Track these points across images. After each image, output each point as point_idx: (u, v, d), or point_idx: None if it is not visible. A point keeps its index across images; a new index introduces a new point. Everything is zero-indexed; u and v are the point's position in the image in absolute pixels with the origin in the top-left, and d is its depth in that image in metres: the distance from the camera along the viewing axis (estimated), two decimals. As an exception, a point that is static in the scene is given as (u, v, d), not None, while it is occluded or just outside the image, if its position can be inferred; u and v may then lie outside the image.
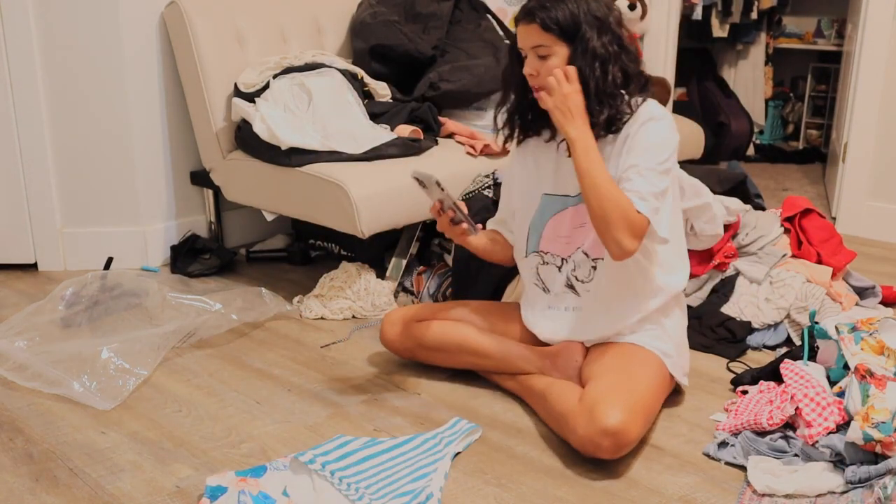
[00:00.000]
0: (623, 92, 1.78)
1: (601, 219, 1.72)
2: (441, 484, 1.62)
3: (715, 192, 2.50)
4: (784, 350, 2.21)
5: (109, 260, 2.59)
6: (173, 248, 2.98)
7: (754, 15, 4.90)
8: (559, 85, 1.73)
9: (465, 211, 1.86)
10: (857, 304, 2.46)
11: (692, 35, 4.89)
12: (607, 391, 1.68)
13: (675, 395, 1.99)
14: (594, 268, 1.89)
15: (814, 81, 5.36)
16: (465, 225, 1.86)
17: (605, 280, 1.87)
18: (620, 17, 1.81)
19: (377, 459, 1.70)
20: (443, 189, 1.76)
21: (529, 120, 1.92)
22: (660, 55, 4.13)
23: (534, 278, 1.99)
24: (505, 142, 1.98)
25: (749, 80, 5.20)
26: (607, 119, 1.76)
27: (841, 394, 1.74)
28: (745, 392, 1.98)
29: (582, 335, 1.92)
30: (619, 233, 1.70)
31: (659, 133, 1.77)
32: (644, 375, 1.78)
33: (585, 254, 1.89)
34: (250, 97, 2.71)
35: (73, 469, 1.70)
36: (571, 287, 1.92)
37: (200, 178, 3.04)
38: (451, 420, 1.86)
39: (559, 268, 1.95)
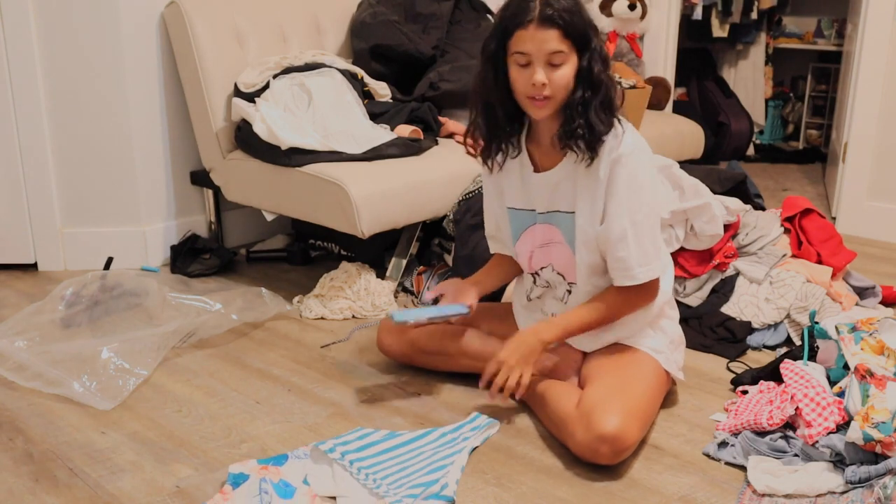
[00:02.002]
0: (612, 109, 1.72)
1: (619, 318, 1.83)
2: (457, 477, 1.64)
3: (715, 192, 2.50)
4: (784, 350, 2.21)
5: (109, 260, 2.59)
6: (173, 248, 2.98)
7: (754, 15, 4.90)
8: (513, 375, 1.77)
9: (444, 313, 1.92)
10: (857, 304, 2.46)
11: (692, 35, 4.89)
12: (604, 396, 1.68)
13: (674, 394, 1.99)
14: (569, 291, 1.88)
15: (814, 81, 5.36)
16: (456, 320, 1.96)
17: (586, 292, 1.85)
18: None
19: (396, 451, 1.72)
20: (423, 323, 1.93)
21: (508, 133, 1.83)
22: (660, 55, 4.13)
23: (522, 284, 2.01)
24: (485, 157, 1.87)
25: (749, 80, 5.20)
26: (593, 138, 1.69)
27: (841, 394, 1.74)
28: (745, 392, 1.98)
29: (577, 343, 1.92)
30: (637, 307, 1.82)
31: (633, 175, 1.70)
32: (640, 378, 1.78)
33: (560, 274, 1.88)
34: (250, 97, 2.71)
35: (73, 469, 1.70)
36: (562, 300, 1.91)
37: (200, 178, 3.04)
38: (470, 415, 1.87)
39: (533, 283, 1.95)
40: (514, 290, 2.09)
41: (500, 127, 1.81)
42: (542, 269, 1.90)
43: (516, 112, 1.79)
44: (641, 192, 1.72)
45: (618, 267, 1.75)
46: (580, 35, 1.66)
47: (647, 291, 1.79)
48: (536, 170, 1.83)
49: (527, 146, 1.85)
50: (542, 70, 1.66)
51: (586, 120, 1.68)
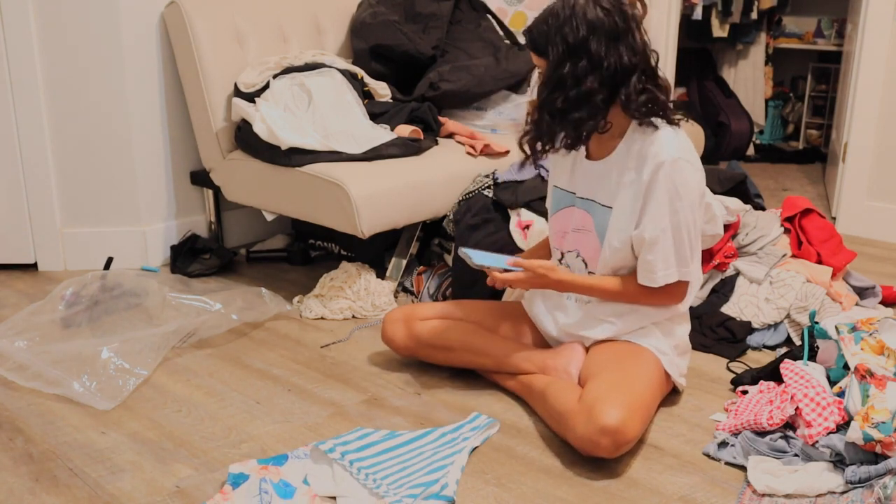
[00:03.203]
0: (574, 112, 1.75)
1: (639, 303, 1.87)
2: (457, 477, 1.64)
3: (715, 192, 2.50)
4: (784, 350, 2.21)
5: (109, 260, 2.59)
6: (173, 248, 2.98)
7: (754, 15, 4.90)
8: (517, 282, 1.85)
9: (510, 261, 1.89)
10: (857, 304, 2.46)
11: (692, 35, 4.89)
12: (606, 390, 1.69)
13: (674, 394, 1.99)
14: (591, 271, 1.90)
15: (814, 81, 5.36)
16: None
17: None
18: (606, 37, 1.71)
19: (396, 451, 1.72)
20: (485, 266, 1.87)
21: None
22: (660, 55, 4.12)
23: None
24: (538, 156, 1.90)
25: (749, 80, 5.20)
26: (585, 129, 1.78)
27: (841, 394, 1.74)
28: (745, 392, 1.98)
29: (587, 330, 1.92)
30: (661, 302, 1.87)
31: (675, 181, 1.73)
32: (642, 374, 1.79)
33: (584, 261, 1.91)
34: (250, 97, 2.71)
35: (73, 469, 1.70)
36: None
37: (200, 178, 3.03)
38: (470, 415, 1.87)
39: (559, 261, 1.96)
40: None
41: (580, 133, 1.86)
42: (568, 251, 1.94)
43: None
44: (681, 199, 1.74)
45: (643, 268, 1.81)
46: (545, 48, 1.74)
47: (671, 293, 1.84)
48: (588, 157, 1.90)
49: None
50: None
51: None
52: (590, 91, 1.71)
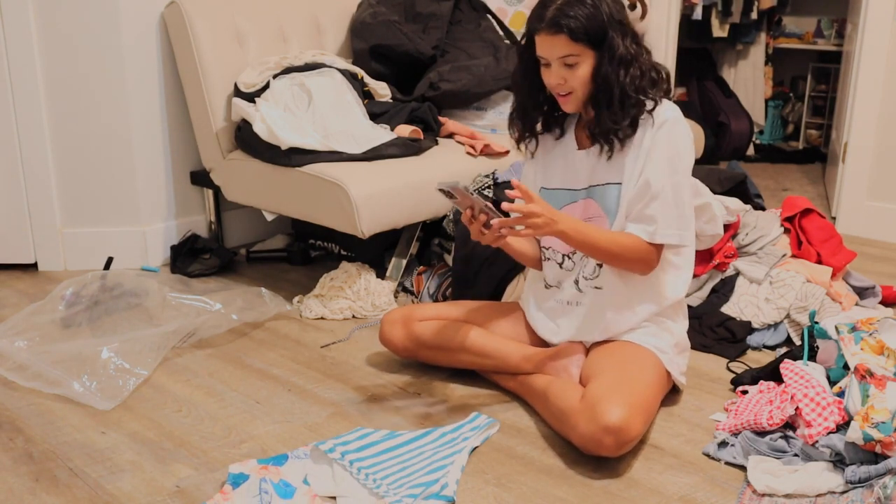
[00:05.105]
0: (648, 91, 1.79)
1: (615, 264, 1.84)
2: (457, 477, 1.64)
3: (715, 192, 2.50)
4: (784, 350, 2.21)
5: (109, 260, 2.59)
6: (173, 248, 2.98)
7: (754, 15, 4.90)
8: (530, 217, 1.69)
9: (496, 209, 1.78)
10: (857, 304, 2.46)
11: (692, 35, 4.89)
12: (609, 389, 1.69)
13: (674, 394, 1.99)
14: (599, 265, 1.89)
15: (814, 81, 5.36)
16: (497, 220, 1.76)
17: (612, 277, 1.87)
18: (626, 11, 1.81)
19: (396, 451, 1.72)
20: (472, 193, 1.72)
21: (544, 119, 1.93)
22: (660, 55, 4.12)
23: (541, 273, 2.01)
24: (519, 143, 1.97)
25: (749, 80, 5.20)
26: (632, 120, 1.78)
27: (841, 394, 1.74)
28: (745, 392, 1.98)
29: (584, 335, 1.92)
30: (635, 266, 1.83)
31: (675, 140, 1.79)
32: (643, 373, 1.79)
33: None
34: (250, 97, 2.71)
35: (73, 469, 1.70)
36: (576, 283, 1.92)
37: (200, 178, 3.04)
38: (470, 415, 1.87)
39: (560, 264, 1.95)
40: (528, 280, 2.10)
41: (529, 117, 1.92)
42: (572, 252, 1.92)
43: (552, 102, 1.88)
44: (681, 158, 1.80)
45: (644, 222, 1.79)
46: (591, 37, 1.73)
47: (650, 256, 1.81)
48: (580, 147, 1.90)
49: (575, 127, 1.93)
50: (559, 70, 1.76)
51: (627, 105, 1.77)
52: (644, 60, 1.78)
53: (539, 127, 1.94)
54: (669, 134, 1.79)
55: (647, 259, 1.82)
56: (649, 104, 1.79)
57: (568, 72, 1.76)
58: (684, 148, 1.81)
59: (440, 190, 1.72)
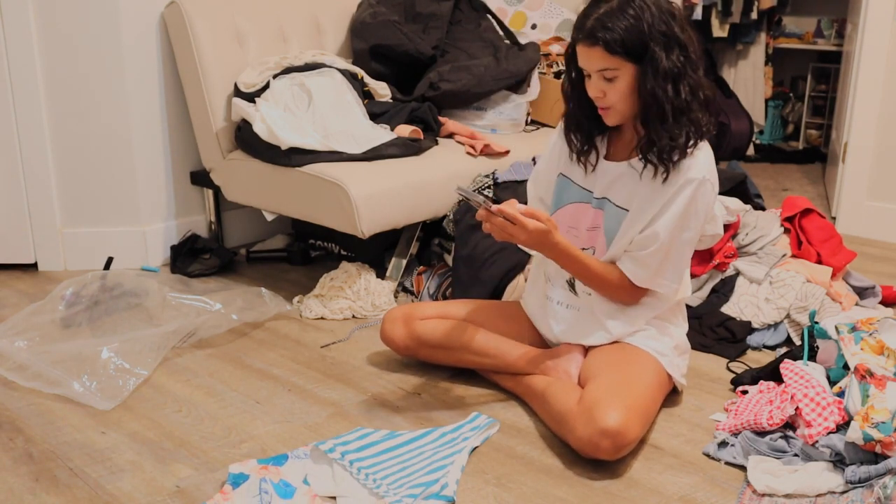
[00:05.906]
0: (694, 110, 1.70)
1: (599, 290, 1.87)
2: (457, 477, 1.64)
3: (715, 192, 2.50)
4: (784, 350, 2.21)
5: (109, 260, 2.59)
6: (173, 248, 2.98)
7: (754, 15, 4.90)
8: (514, 235, 1.71)
9: (514, 207, 1.75)
10: (857, 304, 2.46)
11: (692, 35, 4.88)
12: (606, 392, 1.68)
13: (674, 394, 1.99)
14: None
15: (814, 81, 5.35)
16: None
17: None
18: (684, 19, 1.70)
19: (396, 451, 1.72)
20: (488, 198, 1.72)
21: (594, 126, 1.85)
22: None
23: (541, 267, 2.01)
24: (580, 156, 1.87)
25: (749, 80, 5.20)
26: (686, 137, 1.71)
27: (841, 394, 1.74)
28: (745, 392, 1.98)
29: (581, 337, 1.92)
30: (616, 297, 1.87)
31: (697, 203, 1.75)
32: (642, 376, 1.79)
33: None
34: (250, 97, 2.71)
35: (73, 469, 1.70)
36: (571, 285, 1.92)
37: (200, 178, 3.04)
38: (470, 415, 1.87)
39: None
40: (529, 280, 2.10)
41: (583, 126, 1.85)
42: (583, 249, 1.88)
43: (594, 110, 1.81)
44: (696, 218, 1.77)
45: (639, 266, 1.81)
46: (629, 50, 1.66)
47: (635, 293, 1.87)
48: (607, 156, 1.87)
49: (609, 136, 1.88)
50: (598, 83, 1.72)
51: (676, 124, 1.70)
52: (698, 79, 1.71)
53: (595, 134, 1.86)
54: (694, 194, 1.74)
55: (632, 294, 1.86)
56: (692, 139, 1.72)
57: (607, 85, 1.70)
58: (703, 210, 1.77)
59: (458, 192, 1.74)
